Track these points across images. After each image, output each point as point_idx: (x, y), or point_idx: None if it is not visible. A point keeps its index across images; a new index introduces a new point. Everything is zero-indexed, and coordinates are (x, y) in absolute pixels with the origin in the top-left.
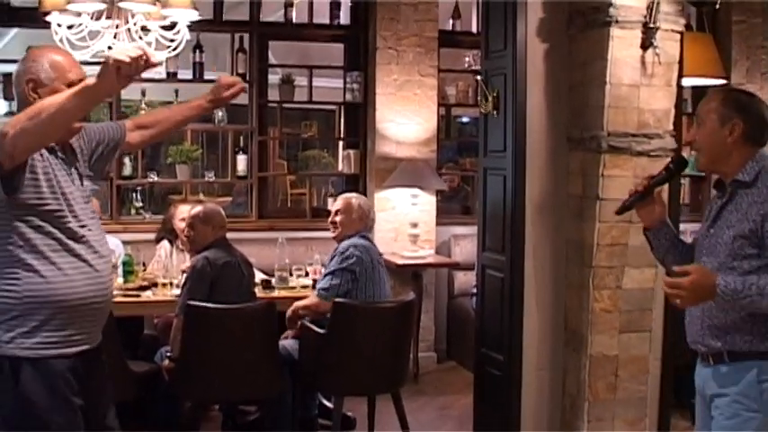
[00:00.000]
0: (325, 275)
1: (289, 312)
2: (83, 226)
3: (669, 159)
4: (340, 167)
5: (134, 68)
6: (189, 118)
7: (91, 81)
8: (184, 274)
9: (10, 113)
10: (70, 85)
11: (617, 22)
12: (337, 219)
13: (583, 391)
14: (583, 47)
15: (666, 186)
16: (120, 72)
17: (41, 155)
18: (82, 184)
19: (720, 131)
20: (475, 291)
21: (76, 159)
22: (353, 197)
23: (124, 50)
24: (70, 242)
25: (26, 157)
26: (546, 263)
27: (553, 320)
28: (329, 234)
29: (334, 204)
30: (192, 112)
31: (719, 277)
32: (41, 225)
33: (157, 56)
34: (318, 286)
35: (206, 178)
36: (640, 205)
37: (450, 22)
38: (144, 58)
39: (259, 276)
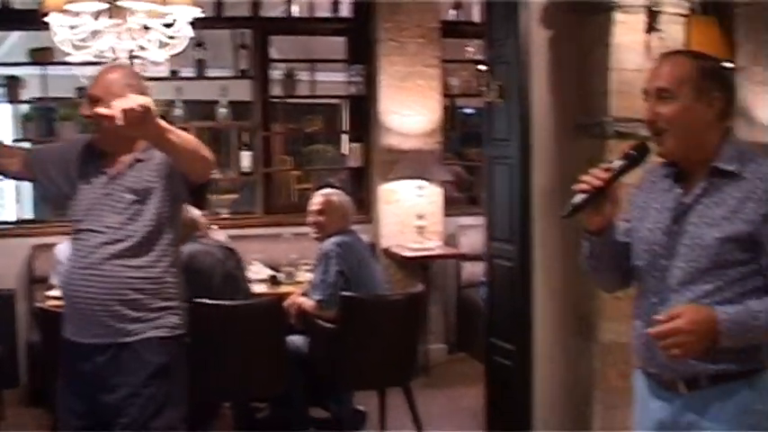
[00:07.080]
0: (317, 285)
1: (289, 304)
2: None
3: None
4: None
5: None
6: None
7: None
8: None
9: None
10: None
11: (620, 7)
12: (321, 219)
13: (594, 379)
14: (586, 33)
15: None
16: None
17: None
18: None
19: (697, 107)
20: (483, 281)
21: None
22: (334, 195)
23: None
24: None
25: None
26: (555, 251)
27: (563, 309)
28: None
29: (312, 203)
30: None
31: (715, 311)
32: None
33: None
34: (315, 298)
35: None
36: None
37: (452, 12)
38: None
39: (266, 272)
